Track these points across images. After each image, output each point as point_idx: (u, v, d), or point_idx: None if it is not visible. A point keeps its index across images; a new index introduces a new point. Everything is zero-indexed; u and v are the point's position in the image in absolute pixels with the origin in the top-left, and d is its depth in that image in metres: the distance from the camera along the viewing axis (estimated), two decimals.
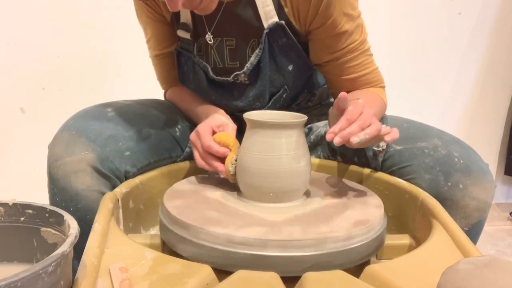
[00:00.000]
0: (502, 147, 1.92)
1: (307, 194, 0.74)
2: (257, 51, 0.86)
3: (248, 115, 0.71)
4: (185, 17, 0.90)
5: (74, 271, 0.52)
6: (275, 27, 0.84)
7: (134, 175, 0.83)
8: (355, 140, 0.65)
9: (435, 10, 1.71)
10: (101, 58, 1.53)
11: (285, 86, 0.92)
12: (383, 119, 0.89)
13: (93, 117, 0.83)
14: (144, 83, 1.19)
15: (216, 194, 0.74)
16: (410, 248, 0.72)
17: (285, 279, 0.53)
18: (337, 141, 0.65)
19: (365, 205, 0.70)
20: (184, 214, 0.64)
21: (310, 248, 0.58)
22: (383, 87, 0.93)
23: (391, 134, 0.70)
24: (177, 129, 0.92)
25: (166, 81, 1.05)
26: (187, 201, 0.70)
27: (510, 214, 1.96)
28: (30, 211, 0.57)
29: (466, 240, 0.61)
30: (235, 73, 0.89)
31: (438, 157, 0.78)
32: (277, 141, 0.68)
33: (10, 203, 0.57)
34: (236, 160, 0.73)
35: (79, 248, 0.53)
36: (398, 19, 1.70)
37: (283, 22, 0.84)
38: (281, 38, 0.85)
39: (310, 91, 1.02)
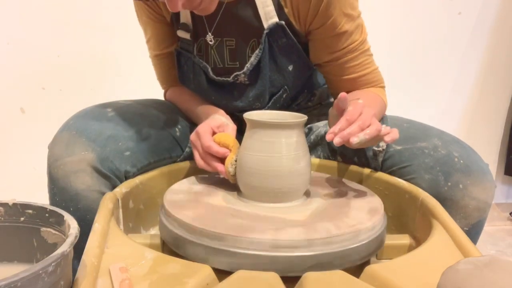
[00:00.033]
0: (502, 147, 1.92)
1: (307, 194, 0.74)
2: (257, 51, 0.86)
3: (248, 115, 0.71)
4: (185, 17, 0.90)
5: (74, 271, 0.52)
6: (275, 28, 0.84)
7: (134, 175, 0.83)
8: (354, 140, 0.65)
9: (435, 10, 1.71)
10: (101, 58, 1.53)
11: (285, 86, 0.92)
12: (383, 119, 0.89)
13: (93, 117, 0.83)
14: (144, 83, 1.19)
15: (216, 195, 0.73)
16: (410, 248, 0.72)
17: (285, 279, 0.53)
18: (337, 141, 0.65)
19: (365, 205, 0.70)
20: (207, 224, 0.60)
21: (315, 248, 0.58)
22: (383, 87, 0.94)
23: (391, 134, 0.70)
24: (177, 129, 0.92)
25: (166, 81, 1.05)
26: (197, 210, 0.66)
27: (510, 214, 1.96)
28: (30, 211, 0.57)
29: (466, 240, 0.61)
30: (235, 73, 0.89)
31: (438, 157, 0.78)
32: (277, 141, 0.68)
33: (10, 203, 0.57)
34: (236, 161, 0.73)
35: (79, 248, 0.53)
36: (398, 19, 1.70)
37: (283, 22, 0.84)
38: (281, 38, 0.85)
39: (310, 91, 1.02)
